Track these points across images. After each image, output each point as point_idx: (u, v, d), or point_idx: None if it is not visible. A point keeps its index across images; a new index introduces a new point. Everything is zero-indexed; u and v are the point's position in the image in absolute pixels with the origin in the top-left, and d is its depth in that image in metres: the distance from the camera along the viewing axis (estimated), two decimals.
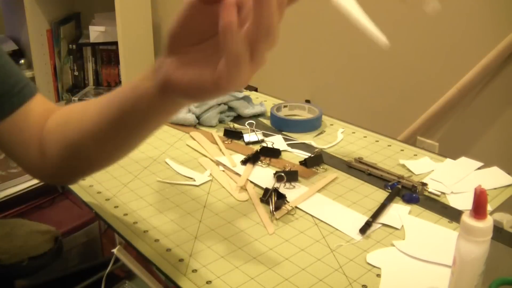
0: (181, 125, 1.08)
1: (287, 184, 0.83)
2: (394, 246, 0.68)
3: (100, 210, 0.78)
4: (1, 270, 1.13)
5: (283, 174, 0.83)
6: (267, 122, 1.11)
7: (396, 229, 0.72)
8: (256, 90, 1.33)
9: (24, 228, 1.24)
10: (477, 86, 1.53)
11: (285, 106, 1.13)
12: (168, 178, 0.87)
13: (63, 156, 0.61)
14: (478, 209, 0.49)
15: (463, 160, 0.91)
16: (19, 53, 2.36)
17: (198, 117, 1.08)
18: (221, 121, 1.10)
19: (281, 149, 0.95)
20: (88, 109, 0.58)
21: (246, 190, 0.83)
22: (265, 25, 0.37)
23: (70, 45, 2.45)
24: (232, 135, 1.02)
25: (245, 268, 0.64)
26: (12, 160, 0.67)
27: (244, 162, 0.91)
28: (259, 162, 0.91)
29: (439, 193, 0.81)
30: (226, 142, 1.00)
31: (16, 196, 1.44)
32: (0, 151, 0.67)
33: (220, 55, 0.40)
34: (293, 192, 0.81)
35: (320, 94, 1.98)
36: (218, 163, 0.92)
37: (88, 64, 2.49)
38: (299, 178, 0.86)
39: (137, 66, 2.35)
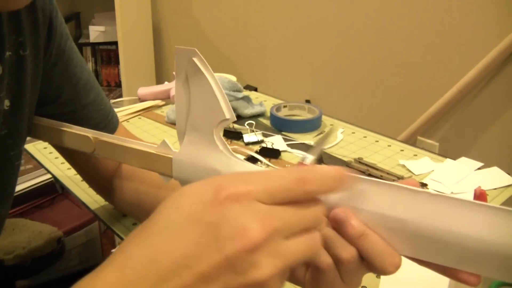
0: None
1: None
2: None
3: (99, 211, 0.78)
4: (3, 270, 1.13)
5: None
6: (267, 122, 1.10)
7: None
8: (256, 90, 1.33)
9: (25, 228, 1.24)
10: (477, 86, 1.53)
11: (285, 106, 1.13)
12: None
13: (128, 211, 0.72)
14: None
15: (463, 160, 0.91)
16: None
17: None
18: None
19: (280, 150, 0.95)
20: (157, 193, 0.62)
21: None
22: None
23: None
24: (232, 135, 1.02)
25: None
26: (88, 183, 0.73)
27: None
28: (259, 162, 0.91)
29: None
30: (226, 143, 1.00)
31: (16, 196, 1.44)
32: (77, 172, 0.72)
33: None
34: None
35: (320, 94, 1.98)
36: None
37: (88, 64, 2.49)
38: None
39: (137, 66, 2.35)
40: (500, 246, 0.31)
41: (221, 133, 0.42)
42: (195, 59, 0.39)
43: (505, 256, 0.31)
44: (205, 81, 0.38)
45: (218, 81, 0.39)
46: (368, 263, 0.36)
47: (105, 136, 0.52)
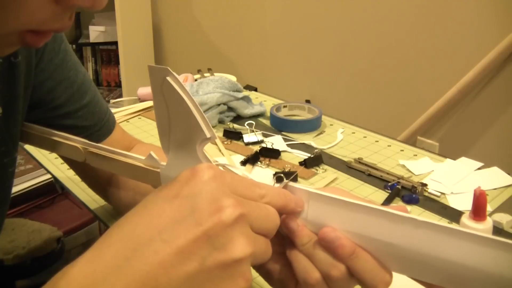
0: None
1: None
2: None
3: (99, 211, 0.78)
4: (3, 270, 1.13)
5: (282, 175, 0.83)
6: (266, 122, 1.10)
7: None
8: (256, 90, 1.33)
9: (25, 228, 1.24)
10: (477, 86, 1.53)
11: (284, 106, 1.13)
12: None
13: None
14: (478, 211, 0.49)
15: (463, 160, 0.91)
16: None
17: None
18: (220, 122, 1.10)
19: (280, 150, 0.95)
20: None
21: None
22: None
23: (70, 45, 2.45)
24: (232, 135, 1.02)
25: None
26: (87, 185, 0.74)
27: (243, 163, 0.91)
28: (259, 162, 0.91)
29: (438, 194, 0.80)
30: (226, 143, 1.00)
31: (16, 196, 1.44)
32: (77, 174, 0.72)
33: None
34: None
35: (320, 94, 1.98)
36: (217, 164, 0.92)
37: (88, 64, 2.49)
38: (299, 179, 0.85)
39: (137, 66, 2.35)
40: (485, 274, 0.32)
41: (204, 150, 0.42)
42: (169, 79, 0.38)
43: (490, 282, 0.32)
44: (181, 101, 0.38)
45: (194, 100, 0.39)
46: (358, 280, 0.36)
47: (93, 147, 0.51)
